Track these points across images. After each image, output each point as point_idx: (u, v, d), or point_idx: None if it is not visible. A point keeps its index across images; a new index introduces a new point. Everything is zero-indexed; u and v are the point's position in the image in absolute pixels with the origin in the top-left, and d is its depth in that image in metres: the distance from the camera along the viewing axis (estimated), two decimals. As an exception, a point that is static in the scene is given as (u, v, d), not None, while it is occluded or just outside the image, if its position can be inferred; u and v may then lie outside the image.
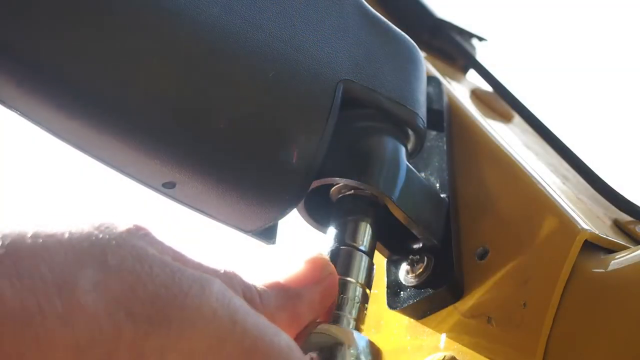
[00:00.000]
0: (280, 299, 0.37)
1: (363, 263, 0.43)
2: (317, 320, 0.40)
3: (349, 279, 0.42)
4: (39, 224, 0.29)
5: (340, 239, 0.44)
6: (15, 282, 0.27)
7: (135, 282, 0.29)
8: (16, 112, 0.38)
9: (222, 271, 0.34)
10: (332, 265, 0.41)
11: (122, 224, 0.31)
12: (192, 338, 0.30)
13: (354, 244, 0.43)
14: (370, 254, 0.44)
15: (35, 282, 0.27)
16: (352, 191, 0.45)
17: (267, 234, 0.45)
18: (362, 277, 0.42)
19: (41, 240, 0.28)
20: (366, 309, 0.42)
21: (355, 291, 0.42)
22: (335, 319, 0.41)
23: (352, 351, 0.39)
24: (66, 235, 0.29)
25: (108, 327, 0.28)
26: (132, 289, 0.29)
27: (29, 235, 0.28)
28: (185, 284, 0.31)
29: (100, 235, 0.30)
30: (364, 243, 0.44)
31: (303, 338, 0.38)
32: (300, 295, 0.38)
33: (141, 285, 0.30)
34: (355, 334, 0.39)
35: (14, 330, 0.26)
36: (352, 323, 0.41)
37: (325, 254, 0.43)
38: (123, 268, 0.30)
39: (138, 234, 0.31)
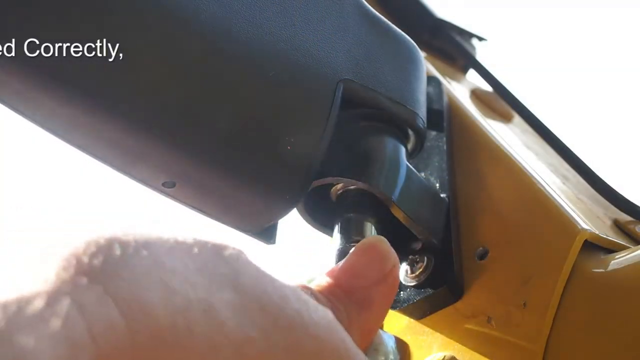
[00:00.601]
0: (351, 314, 0.34)
1: None
2: None
3: None
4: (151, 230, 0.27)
5: (347, 236, 0.44)
6: (166, 297, 0.25)
7: (270, 306, 0.28)
8: (15, 111, 0.38)
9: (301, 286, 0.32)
10: (395, 253, 0.37)
11: (229, 244, 0.29)
12: None
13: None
14: None
15: (184, 300, 0.25)
16: (353, 186, 0.45)
17: (267, 234, 0.45)
18: None
19: (177, 251, 0.27)
20: None
21: None
22: None
23: (382, 349, 0.38)
24: (195, 250, 0.27)
25: (251, 355, 0.26)
26: (269, 315, 0.28)
27: (166, 244, 0.26)
28: (315, 313, 0.29)
29: (225, 253, 0.28)
30: None
31: None
32: (370, 305, 0.35)
33: (276, 310, 0.28)
34: (382, 332, 0.39)
35: (163, 350, 0.24)
36: None
37: (335, 252, 0.42)
38: (256, 291, 0.28)
39: (247, 255, 0.30)
